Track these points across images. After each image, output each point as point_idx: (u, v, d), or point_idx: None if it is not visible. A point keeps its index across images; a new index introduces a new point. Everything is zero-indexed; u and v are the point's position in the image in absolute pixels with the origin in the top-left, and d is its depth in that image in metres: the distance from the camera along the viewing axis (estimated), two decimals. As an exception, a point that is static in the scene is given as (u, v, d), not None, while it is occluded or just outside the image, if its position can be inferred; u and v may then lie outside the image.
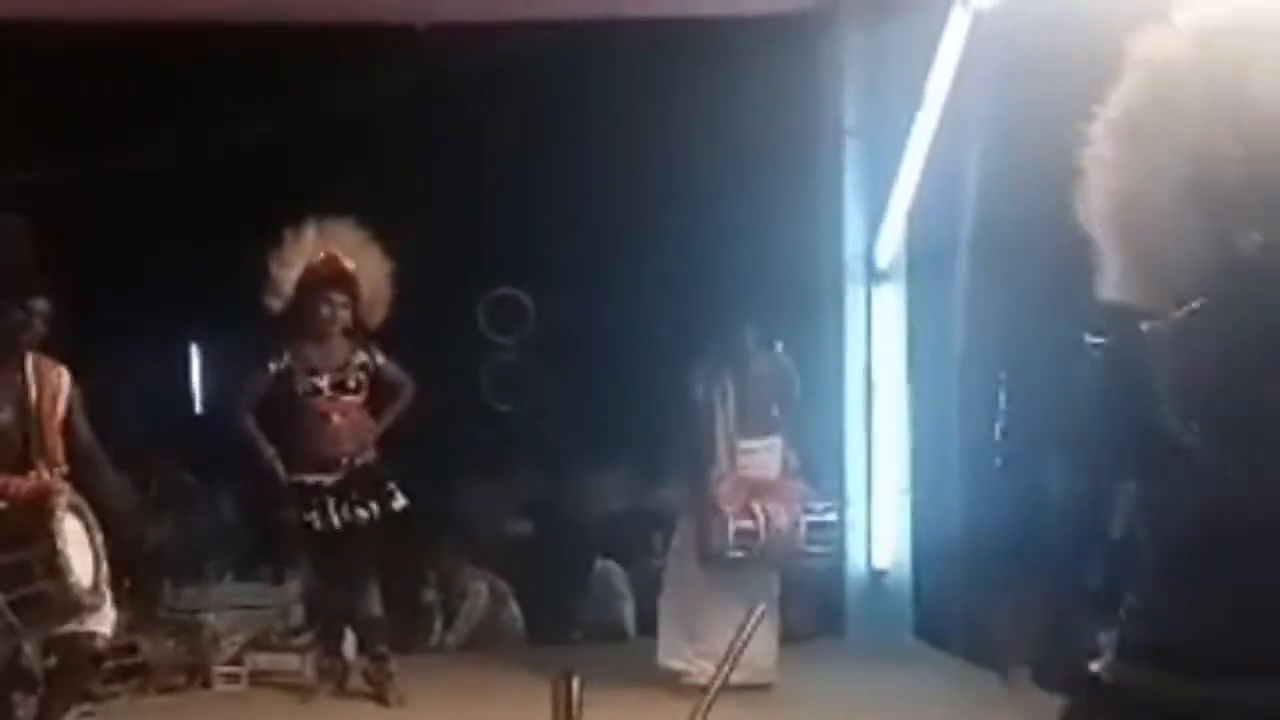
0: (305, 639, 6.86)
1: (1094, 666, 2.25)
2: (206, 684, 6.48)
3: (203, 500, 8.45)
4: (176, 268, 8.72)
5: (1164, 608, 2.17)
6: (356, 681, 6.29)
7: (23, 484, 4.99)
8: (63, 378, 5.16)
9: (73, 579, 4.82)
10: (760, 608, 3.19)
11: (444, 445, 7.52)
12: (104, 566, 5.01)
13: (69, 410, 5.15)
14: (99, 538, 5.01)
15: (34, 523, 4.86)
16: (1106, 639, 2.26)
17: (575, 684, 3.28)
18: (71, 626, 4.96)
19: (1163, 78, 2.13)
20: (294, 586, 7.41)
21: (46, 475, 5.04)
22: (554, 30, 7.25)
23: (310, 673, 6.46)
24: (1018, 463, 7.09)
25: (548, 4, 6.98)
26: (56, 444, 5.10)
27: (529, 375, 9.61)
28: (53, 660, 5.24)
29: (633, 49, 7.50)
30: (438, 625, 7.82)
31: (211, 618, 6.76)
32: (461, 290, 9.26)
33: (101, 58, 7.25)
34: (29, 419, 5.05)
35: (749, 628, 3.15)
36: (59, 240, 5.30)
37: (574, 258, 8.89)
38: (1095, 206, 2.20)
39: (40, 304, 5.06)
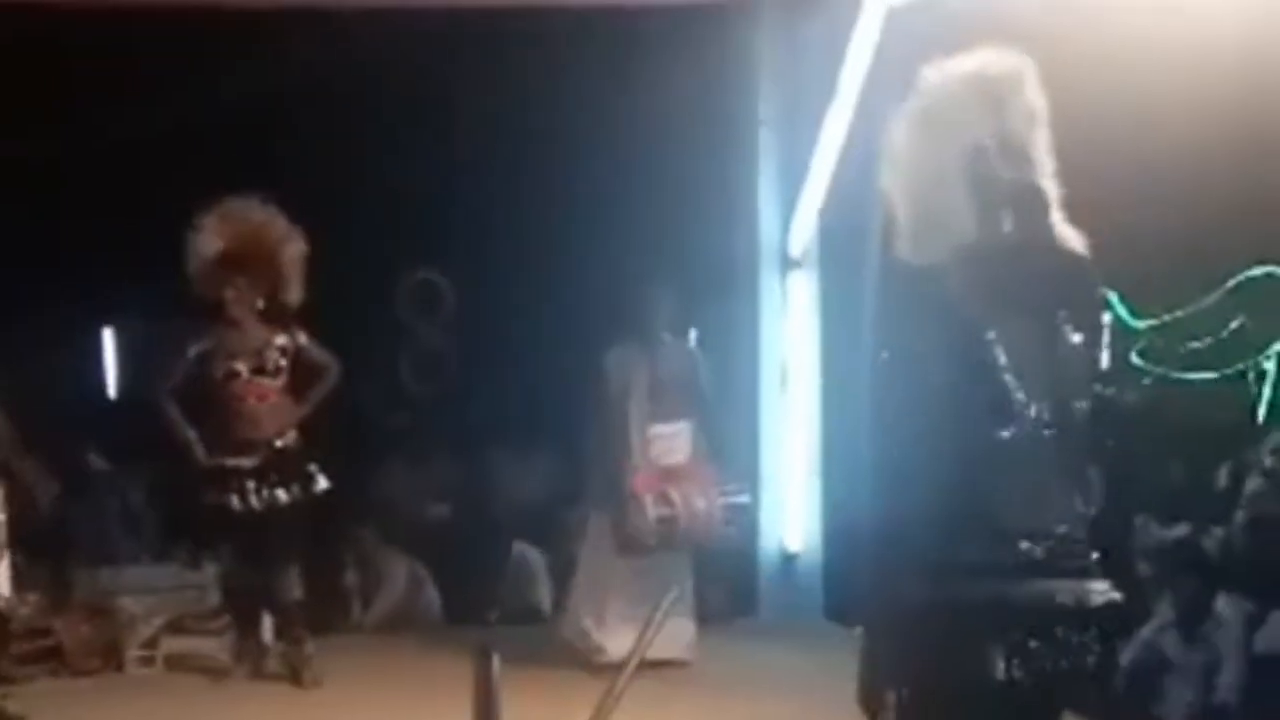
0: (221, 622, 6.87)
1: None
2: (121, 667, 6.48)
3: (116, 484, 8.40)
4: (88, 252, 8.63)
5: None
6: (273, 664, 6.32)
7: None
8: None
9: None
10: (673, 594, 3.30)
11: (363, 428, 7.54)
12: None
13: None
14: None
15: None
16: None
17: (494, 661, 3.36)
18: None
19: (947, 98, 2.89)
20: (210, 570, 7.41)
21: None
22: (472, 14, 7.29)
23: (226, 656, 6.48)
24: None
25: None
26: None
27: (447, 359, 9.64)
28: None
29: (551, 35, 7.54)
30: (356, 607, 7.86)
31: (127, 601, 6.74)
32: (381, 273, 9.26)
33: (12, 39, 7.16)
34: None
35: (661, 614, 3.25)
36: None
37: (492, 242, 8.93)
38: (893, 180, 2.89)
39: None
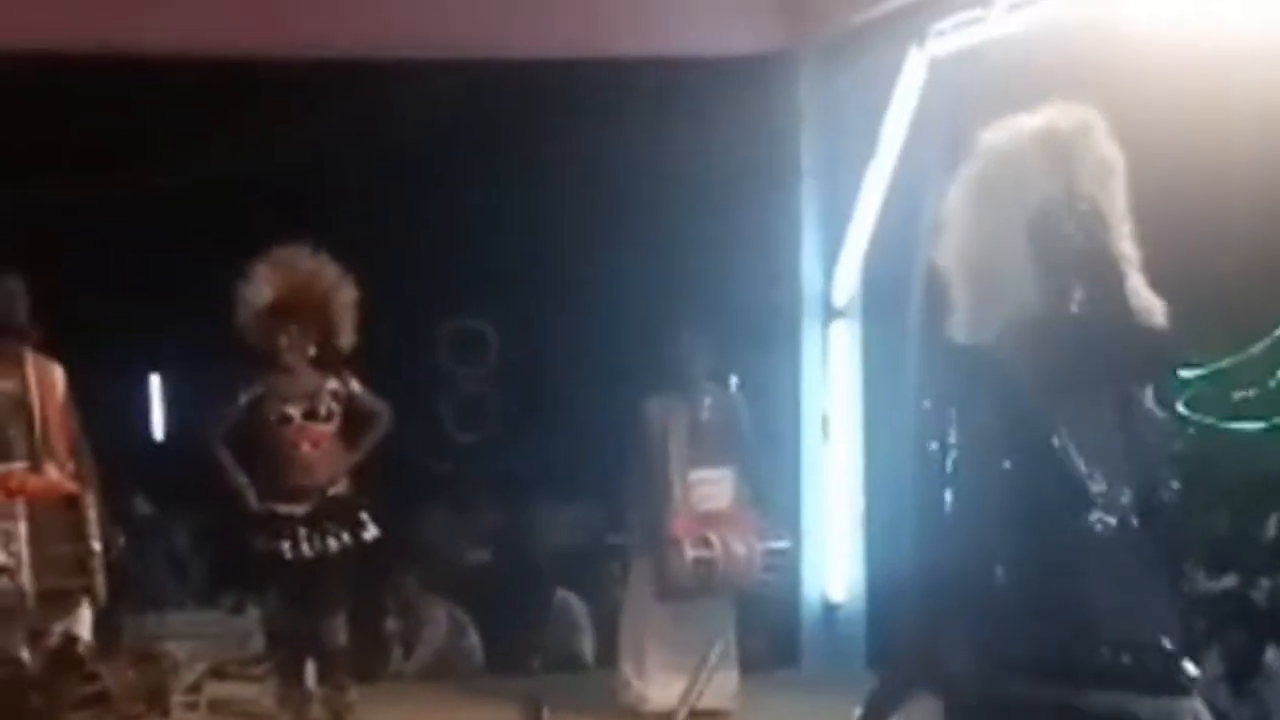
0: (264, 668, 6.89)
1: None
2: (166, 713, 6.49)
3: (161, 529, 8.46)
4: (136, 298, 8.74)
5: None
6: (317, 710, 6.33)
7: (37, 482, 5.03)
8: (58, 373, 5.18)
9: (99, 576, 4.92)
10: (719, 646, 3.28)
11: (404, 474, 7.57)
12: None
13: (65, 407, 5.18)
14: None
15: (68, 521, 4.99)
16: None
17: (545, 714, 3.36)
18: (64, 626, 5.03)
19: (1010, 161, 2.64)
20: (253, 615, 7.44)
21: (55, 473, 5.07)
22: (514, 66, 7.37)
23: (269, 701, 6.49)
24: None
25: (511, 41, 7.09)
26: (59, 440, 5.12)
27: (489, 406, 9.68)
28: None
29: (595, 87, 7.63)
30: (397, 653, 7.86)
31: (172, 646, 6.78)
32: (423, 321, 9.33)
33: (66, 90, 7.30)
34: (31, 414, 5.07)
35: (710, 667, 3.23)
36: (21, 268, 5.34)
37: (535, 291, 8.98)
38: (951, 256, 2.66)
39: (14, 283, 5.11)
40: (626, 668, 6.24)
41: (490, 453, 9.42)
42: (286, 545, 6.07)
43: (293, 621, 6.40)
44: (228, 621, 7.33)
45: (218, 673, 6.82)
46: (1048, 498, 2.48)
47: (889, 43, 6.73)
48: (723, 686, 5.89)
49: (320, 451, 6.16)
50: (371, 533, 6.20)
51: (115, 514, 7.30)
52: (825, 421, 7.33)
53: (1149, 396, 2.56)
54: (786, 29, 7.25)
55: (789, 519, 6.99)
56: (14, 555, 4.92)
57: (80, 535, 5.02)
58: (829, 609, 7.39)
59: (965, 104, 6.37)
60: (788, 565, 6.68)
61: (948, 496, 2.58)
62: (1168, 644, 2.46)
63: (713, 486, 6.28)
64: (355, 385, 6.26)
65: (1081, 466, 2.49)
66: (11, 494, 4.99)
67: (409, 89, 7.89)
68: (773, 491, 6.58)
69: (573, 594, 8.14)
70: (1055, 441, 2.49)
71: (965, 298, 2.63)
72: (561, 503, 8.92)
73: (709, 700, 5.52)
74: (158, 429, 10.82)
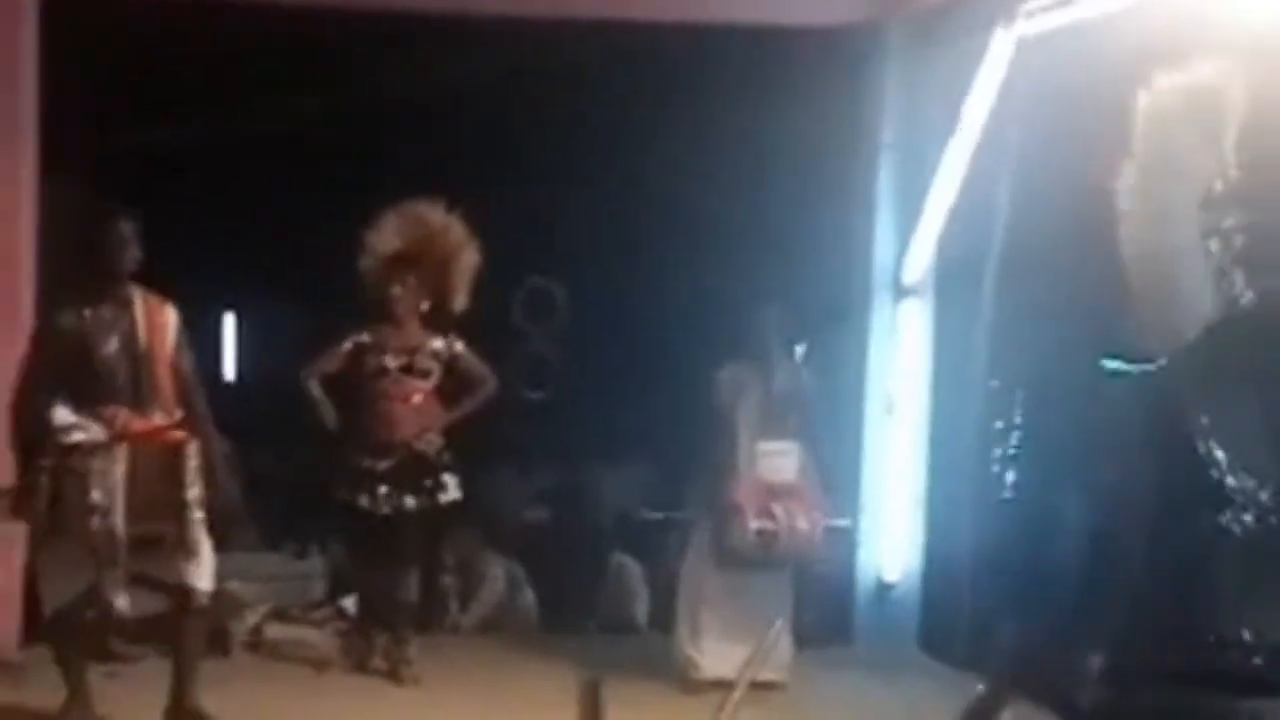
0: (324, 613, 6.99)
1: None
2: (227, 652, 6.58)
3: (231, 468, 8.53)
4: (219, 243, 8.84)
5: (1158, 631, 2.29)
6: (378, 660, 6.39)
7: (141, 424, 5.01)
8: (170, 315, 5.13)
9: (194, 523, 4.99)
10: (779, 623, 3.28)
11: (469, 430, 7.61)
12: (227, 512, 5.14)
13: (177, 350, 5.12)
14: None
15: (165, 466, 4.98)
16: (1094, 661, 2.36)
17: (602, 694, 3.38)
18: (182, 578, 5.06)
19: (1158, 135, 2.35)
20: (316, 561, 7.54)
21: (162, 417, 5.05)
22: (602, 30, 7.36)
23: (328, 647, 6.58)
24: (1027, 484, 7.19)
25: (601, 4, 7.08)
26: (167, 383, 5.06)
27: (556, 365, 9.72)
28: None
29: (679, 52, 7.59)
30: (454, 607, 7.94)
31: (235, 586, 6.87)
32: (498, 279, 9.36)
33: (195, 34, 7.36)
34: (138, 355, 5.03)
35: (770, 643, 3.24)
36: (146, 211, 5.33)
37: (608, 253, 8.99)
38: (1127, 254, 2.39)
39: (126, 225, 5.06)
40: (682, 634, 6.27)
41: (556, 412, 9.46)
42: (365, 498, 6.10)
43: (367, 574, 6.46)
44: (290, 565, 7.42)
45: (280, 616, 6.92)
46: (1186, 496, 2.26)
47: (976, 20, 6.65)
48: (777, 659, 5.90)
49: (409, 408, 6.15)
50: (452, 495, 6.21)
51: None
52: (890, 401, 7.30)
53: None
54: (874, 1, 7.19)
55: (849, 496, 6.99)
56: (108, 496, 4.94)
57: (177, 481, 5.01)
58: (883, 588, 7.38)
59: (1049, 86, 6.33)
60: (846, 542, 6.68)
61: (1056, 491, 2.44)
62: None
63: (780, 459, 6.27)
64: (460, 347, 6.25)
65: (1227, 462, 2.25)
66: (115, 435, 5.01)
67: (494, 49, 7.90)
68: (833, 469, 6.57)
69: (629, 557, 8.18)
70: (1201, 443, 2.24)
71: (1149, 308, 2.35)
72: (624, 466, 8.95)
73: (763, 672, 5.54)
74: (230, 370, 10.97)
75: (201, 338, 10.49)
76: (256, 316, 10.61)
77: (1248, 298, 2.31)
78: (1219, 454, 2.25)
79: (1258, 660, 2.22)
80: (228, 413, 8.82)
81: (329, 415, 6.10)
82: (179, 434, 5.08)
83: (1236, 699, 2.23)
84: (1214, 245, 2.30)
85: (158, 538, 5.05)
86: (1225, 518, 2.24)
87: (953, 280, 7.16)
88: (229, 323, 11.06)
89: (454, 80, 8.31)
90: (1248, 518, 2.24)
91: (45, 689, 5.44)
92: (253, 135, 8.52)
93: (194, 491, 5.04)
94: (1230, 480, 2.24)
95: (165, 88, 7.90)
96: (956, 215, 7.01)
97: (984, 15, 6.59)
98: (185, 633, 5.25)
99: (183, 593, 5.13)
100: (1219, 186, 2.29)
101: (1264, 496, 2.24)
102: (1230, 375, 2.28)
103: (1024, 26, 6.45)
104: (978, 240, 6.92)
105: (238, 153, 8.63)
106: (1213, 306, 2.33)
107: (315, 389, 6.11)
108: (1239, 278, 2.31)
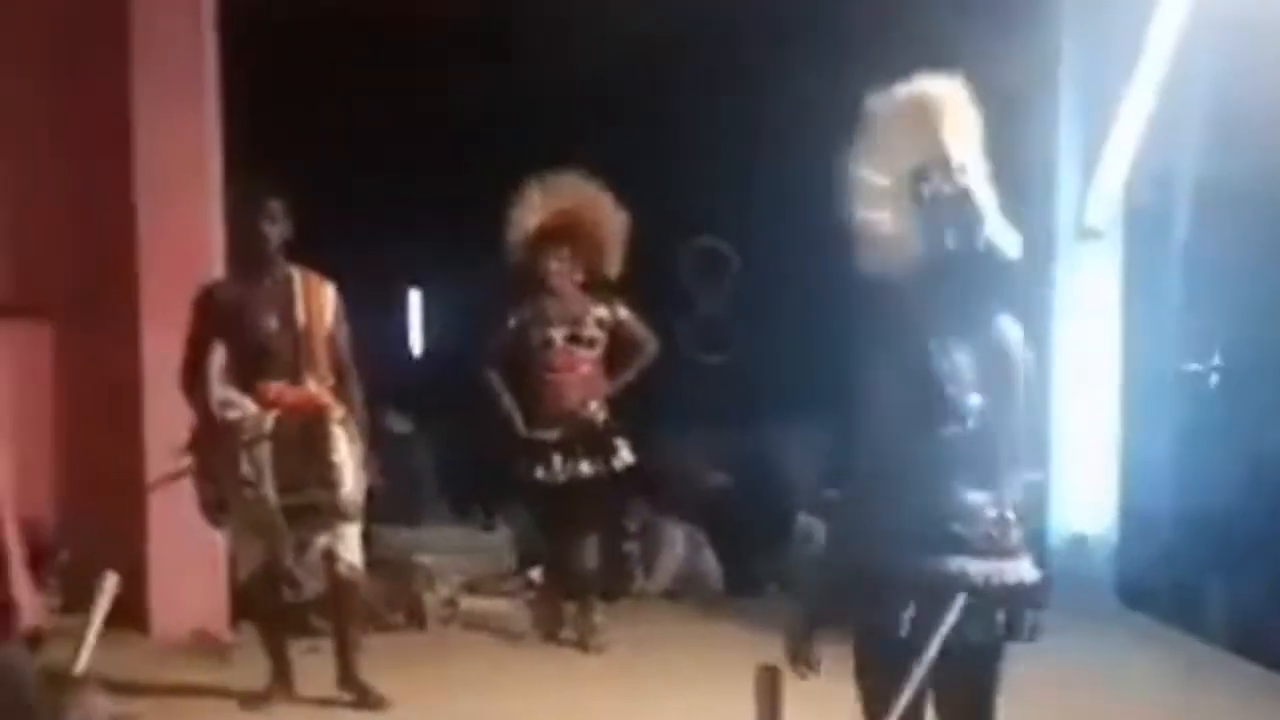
0: (514, 584, 7.06)
1: None
2: (422, 624, 6.69)
3: (413, 445, 8.67)
4: (402, 219, 8.94)
5: None
6: (567, 630, 6.44)
7: (294, 394, 5.17)
8: (329, 292, 5.29)
9: (344, 490, 5.07)
10: (961, 596, 3.17)
11: (645, 396, 7.59)
12: (362, 483, 5.21)
13: (334, 325, 5.29)
14: (359, 454, 5.22)
15: (310, 434, 5.09)
16: None
17: (780, 679, 3.32)
18: (326, 543, 5.17)
19: None
20: (503, 532, 7.62)
21: (315, 387, 5.20)
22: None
23: (519, 618, 6.64)
24: (1228, 430, 6.90)
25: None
26: (323, 357, 5.23)
27: (727, 327, 9.62)
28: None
29: (853, 14, 7.41)
30: (639, 573, 7.95)
31: (426, 559, 6.98)
32: (666, 240, 9.29)
33: (353, 16, 7.45)
34: (297, 330, 5.20)
35: (956, 612, 3.14)
36: (293, 184, 5.44)
37: (779, 213, 8.84)
38: None
39: (277, 205, 5.23)
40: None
41: (730, 375, 9.37)
42: (540, 469, 6.16)
43: (544, 543, 6.53)
44: (477, 538, 7.50)
45: (471, 588, 7.01)
46: None
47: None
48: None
49: (577, 376, 6.21)
50: (625, 460, 6.24)
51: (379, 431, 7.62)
52: (1081, 349, 7.05)
53: None
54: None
55: (1040, 449, 6.79)
56: (257, 467, 5.07)
57: (324, 452, 5.11)
58: (1078, 540, 7.16)
59: (1240, 14, 5.98)
60: (1039, 497, 6.49)
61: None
62: None
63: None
64: (624, 312, 6.28)
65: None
66: (267, 406, 5.14)
67: (669, 7, 7.80)
68: (1027, 421, 6.36)
69: (817, 519, 8.06)
70: None
71: None
72: (803, 427, 8.81)
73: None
74: (416, 346, 11.12)
75: (388, 315, 10.75)
76: (442, 293, 10.74)
77: None
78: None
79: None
80: (415, 389, 9.03)
81: (509, 407, 6.21)
82: (324, 400, 5.19)
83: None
84: None
85: (307, 507, 5.14)
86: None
87: (1142, 220, 6.89)
88: (414, 300, 11.20)
89: (629, 39, 8.18)
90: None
91: (254, 669, 5.57)
92: (432, 112, 8.58)
93: (341, 461, 5.10)
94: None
95: (346, 72, 8.02)
96: (1143, 152, 6.70)
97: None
98: (338, 603, 5.38)
99: (332, 563, 5.23)
100: None
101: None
102: None
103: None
104: (1168, 177, 6.63)
105: (420, 133, 8.71)
106: None
107: (495, 381, 6.23)
108: None
